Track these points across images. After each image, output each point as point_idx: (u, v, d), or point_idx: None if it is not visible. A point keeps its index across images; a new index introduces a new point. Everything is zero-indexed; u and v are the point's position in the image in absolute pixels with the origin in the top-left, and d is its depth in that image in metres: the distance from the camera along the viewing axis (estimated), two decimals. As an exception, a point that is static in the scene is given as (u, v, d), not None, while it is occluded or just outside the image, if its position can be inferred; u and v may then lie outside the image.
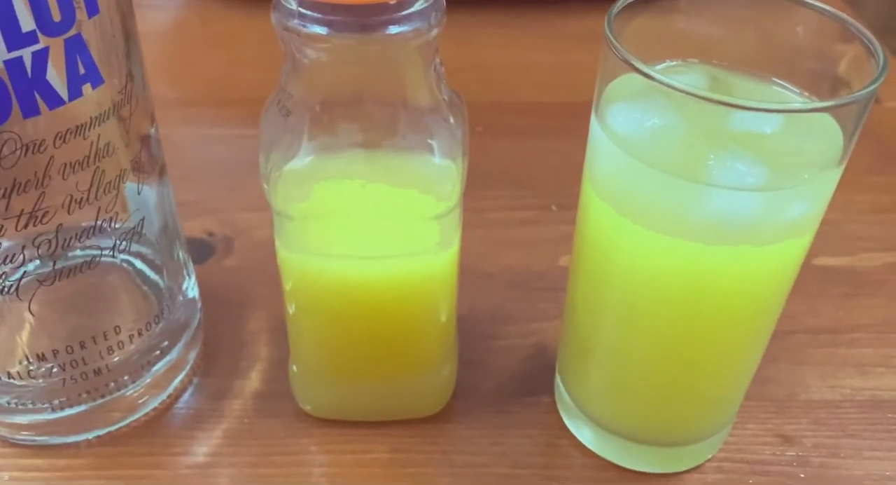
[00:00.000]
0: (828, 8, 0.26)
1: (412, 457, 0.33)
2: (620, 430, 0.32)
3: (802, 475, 0.33)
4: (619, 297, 0.28)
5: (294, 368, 0.33)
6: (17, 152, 0.25)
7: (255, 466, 0.32)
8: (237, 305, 0.39)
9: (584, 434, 0.33)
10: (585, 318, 0.31)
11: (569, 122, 0.55)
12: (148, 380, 0.33)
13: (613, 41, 0.24)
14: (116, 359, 0.31)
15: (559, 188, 0.48)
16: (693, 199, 0.24)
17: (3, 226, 0.26)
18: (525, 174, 0.49)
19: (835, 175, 0.24)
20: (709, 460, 0.33)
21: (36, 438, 0.33)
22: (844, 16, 0.25)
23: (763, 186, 0.24)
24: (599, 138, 0.26)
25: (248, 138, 0.53)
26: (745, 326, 0.28)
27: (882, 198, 0.47)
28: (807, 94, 0.27)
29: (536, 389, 0.36)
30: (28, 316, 0.28)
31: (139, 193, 0.29)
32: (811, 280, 0.42)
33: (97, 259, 0.29)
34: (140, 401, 0.34)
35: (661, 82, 0.23)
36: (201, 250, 0.42)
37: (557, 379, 0.34)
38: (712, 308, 0.27)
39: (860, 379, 0.36)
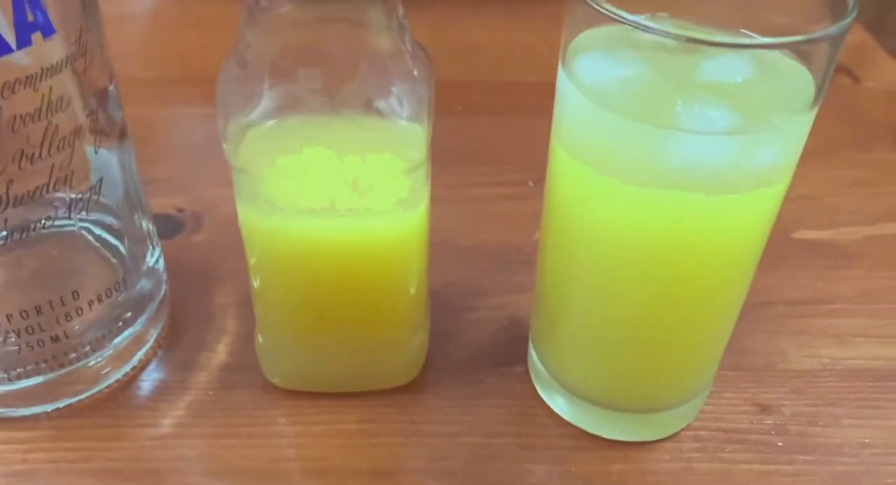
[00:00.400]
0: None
1: (382, 427, 0.32)
2: (594, 397, 0.31)
3: (780, 444, 0.32)
4: (589, 255, 0.28)
5: (260, 338, 0.33)
6: (-37, 101, 0.24)
7: (220, 437, 0.31)
8: (205, 280, 0.38)
9: (558, 403, 0.32)
10: (556, 282, 0.30)
11: (545, 101, 0.54)
12: (110, 351, 0.33)
13: (581, -12, 0.24)
14: (76, 327, 0.30)
15: (536, 164, 0.47)
16: (664, 145, 0.24)
17: (-51, 181, 0.25)
18: (502, 151, 0.49)
19: (806, 120, 0.24)
20: (685, 429, 0.32)
21: (-4, 411, 0.32)
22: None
23: (734, 130, 0.23)
24: (567, 91, 0.26)
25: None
26: (718, 282, 0.27)
27: (862, 173, 0.47)
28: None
29: (510, 359, 0.35)
30: (-20, 279, 0.28)
31: (96, 153, 0.29)
32: (792, 253, 0.41)
33: (52, 219, 0.28)
34: (102, 373, 0.33)
35: (632, 23, 0.22)
36: (171, 226, 0.41)
37: (530, 347, 0.34)
38: (684, 262, 0.26)
39: (839, 349, 0.36)
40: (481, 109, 0.52)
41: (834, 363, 0.35)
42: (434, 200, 0.30)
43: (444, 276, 0.39)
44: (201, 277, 0.38)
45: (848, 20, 0.22)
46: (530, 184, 0.46)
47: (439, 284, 0.38)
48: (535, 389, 0.33)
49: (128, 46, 0.58)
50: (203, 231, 0.41)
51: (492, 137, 0.50)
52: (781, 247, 0.41)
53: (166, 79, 0.55)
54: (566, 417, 0.32)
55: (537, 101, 0.53)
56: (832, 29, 0.22)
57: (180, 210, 0.42)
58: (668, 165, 0.24)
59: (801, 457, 0.31)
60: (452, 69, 0.53)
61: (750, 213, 0.25)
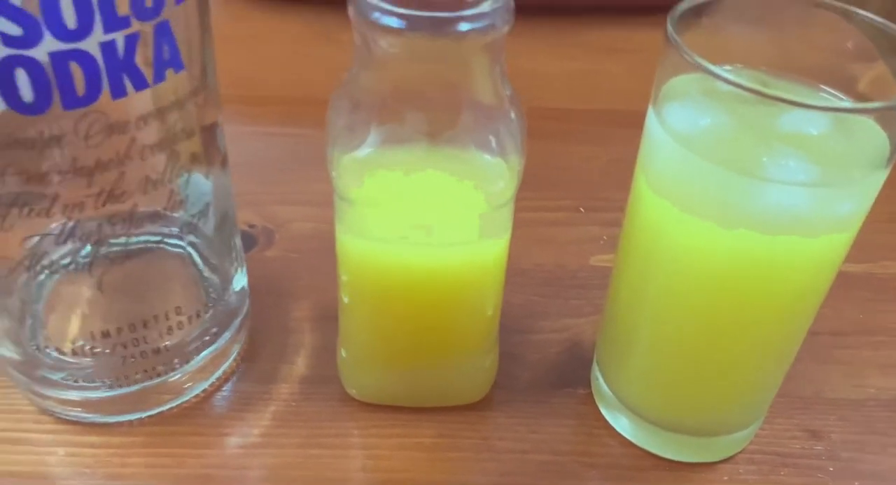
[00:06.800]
0: (877, 19, 0.27)
1: (456, 442, 0.34)
2: (657, 419, 0.33)
3: (831, 469, 0.34)
4: (662, 285, 0.30)
5: (343, 353, 0.34)
6: (103, 132, 0.26)
7: (303, 447, 0.33)
8: (280, 294, 0.40)
9: (622, 423, 0.34)
10: (629, 308, 0.32)
11: (593, 128, 0.57)
12: (197, 364, 0.34)
13: (677, 40, 0.26)
14: (176, 340, 0.32)
15: (586, 191, 0.49)
16: (746, 191, 0.26)
17: (83, 203, 0.27)
18: (554, 177, 0.50)
19: (882, 176, 0.26)
20: (740, 452, 0.34)
21: (85, 415, 0.33)
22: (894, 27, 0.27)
23: (814, 183, 0.25)
24: (657, 133, 0.28)
25: (280, 136, 0.54)
26: (785, 318, 0.29)
27: (899, 209, 0.49)
28: (852, 100, 0.28)
29: (572, 381, 0.37)
30: (97, 293, 0.29)
31: (207, 179, 0.30)
32: (834, 285, 0.43)
33: (164, 241, 0.30)
34: (188, 384, 0.35)
35: (723, 79, 0.24)
36: (245, 241, 0.43)
37: (595, 370, 0.36)
38: (755, 298, 0.28)
39: (883, 379, 0.38)
40: (536, 135, 0.53)
41: (879, 393, 0.37)
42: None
43: (505, 297, 0.41)
44: (276, 292, 0.40)
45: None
46: (581, 210, 0.48)
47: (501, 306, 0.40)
48: (598, 410, 0.35)
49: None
50: (274, 247, 0.43)
51: (543, 163, 0.52)
52: (824, 279, 0.43)
53: (227, 96, 0.57)
54: (629, 437, 0.34)
55: (585, 128, 0.56)
56: (915, 97, 0.24)
57: (252, 226, 0.44)
58: (747, 208, 0.26)
59: (855, 482, 0.33)
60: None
61: (823, 255, 0.27)
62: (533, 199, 0.48)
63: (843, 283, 0.43)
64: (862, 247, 0.46)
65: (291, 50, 0.62)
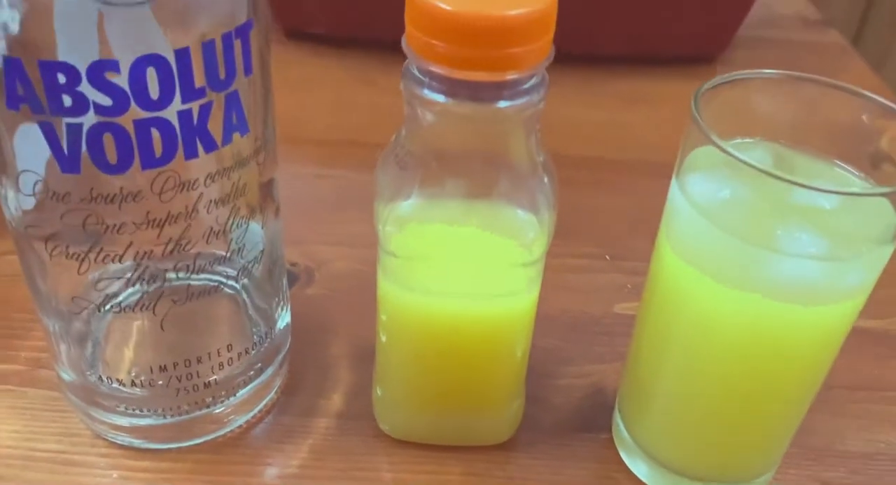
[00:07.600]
0: (892, 105, 0.29)
1: (482, 480, 0.36)
2: (675, 466, 0.35)
3: (840, 520, 0.35)
4: (684, 343, 0.32)
5: (378, 391, 0.37)
6: (175, 189, 0.28)
7: (337, 479, 0.35)
8: (319, 331, 0.42)
9: (640, 468, 0.36)
10: (650, 361, 0.34)
11: (620, 178, 0.59)
12: (241, 397, 0.37)
13: (698, 118, 0.28)
14: (224, 375, 0.35)
15: (611, 240, 0.51)
16: (763, 263, 0.28)
17: (153, 250, 0.29)
18: (579, 225, 0.52)
19: (889, 250, 0.28)
20: (754, 501, 0.36)
21: (133, 440, 0.36)
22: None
23: (824, 256, 0.27)
24: (679, 201, 0.30)
25: (323, 178, 0.57)
26: (800, 376, 0.31)
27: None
28: (863, 176, 0.30)
29: (594, 426, 0.39)
30: (158, 330, 0.32)
31: (262, 229, 0.33)
32: (849, 340, 0.45)
33: (222, 285, 0.32)
34: (232, 416, 0.37)
35: (736, 158, 0.27)
36: (287, 279, 0.46)
37: (616, 416, 0.38)
38: (772, 359, 0.30)
39: (895, 434, 0.39)
40: (563, 184, 0.56)
41: (889, 448, 0.39)
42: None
43: (531, 342, 0.43)
44: (315, 329, 0.43)
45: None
46: (607, 258, 0.50)
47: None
48: (618, 455, 0.37)
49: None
50: (315, 285, 0.46)
51: (568, 210, 0.53)
52: (840, 333, 0.45)
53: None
54: (647, 482, 0.36)
55: (609, 177, 0.58)
56: (919, 181, 0.26)
57: (293, 264, 0.47)
58: (762, 277, 0.28)
59: (860, 534, 0.35)
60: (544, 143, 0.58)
61: (833, 321, 0.29)
62: (560, 246, 0.50)
63: (858, 338, 0.45)
64: (877, 303, 0.47)
65: (334, 94, 0.65)
